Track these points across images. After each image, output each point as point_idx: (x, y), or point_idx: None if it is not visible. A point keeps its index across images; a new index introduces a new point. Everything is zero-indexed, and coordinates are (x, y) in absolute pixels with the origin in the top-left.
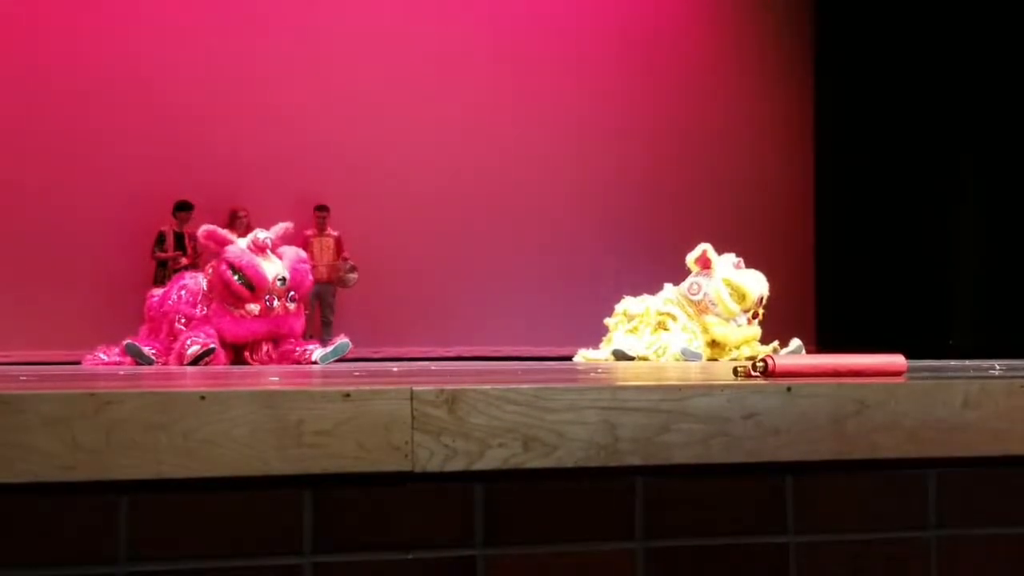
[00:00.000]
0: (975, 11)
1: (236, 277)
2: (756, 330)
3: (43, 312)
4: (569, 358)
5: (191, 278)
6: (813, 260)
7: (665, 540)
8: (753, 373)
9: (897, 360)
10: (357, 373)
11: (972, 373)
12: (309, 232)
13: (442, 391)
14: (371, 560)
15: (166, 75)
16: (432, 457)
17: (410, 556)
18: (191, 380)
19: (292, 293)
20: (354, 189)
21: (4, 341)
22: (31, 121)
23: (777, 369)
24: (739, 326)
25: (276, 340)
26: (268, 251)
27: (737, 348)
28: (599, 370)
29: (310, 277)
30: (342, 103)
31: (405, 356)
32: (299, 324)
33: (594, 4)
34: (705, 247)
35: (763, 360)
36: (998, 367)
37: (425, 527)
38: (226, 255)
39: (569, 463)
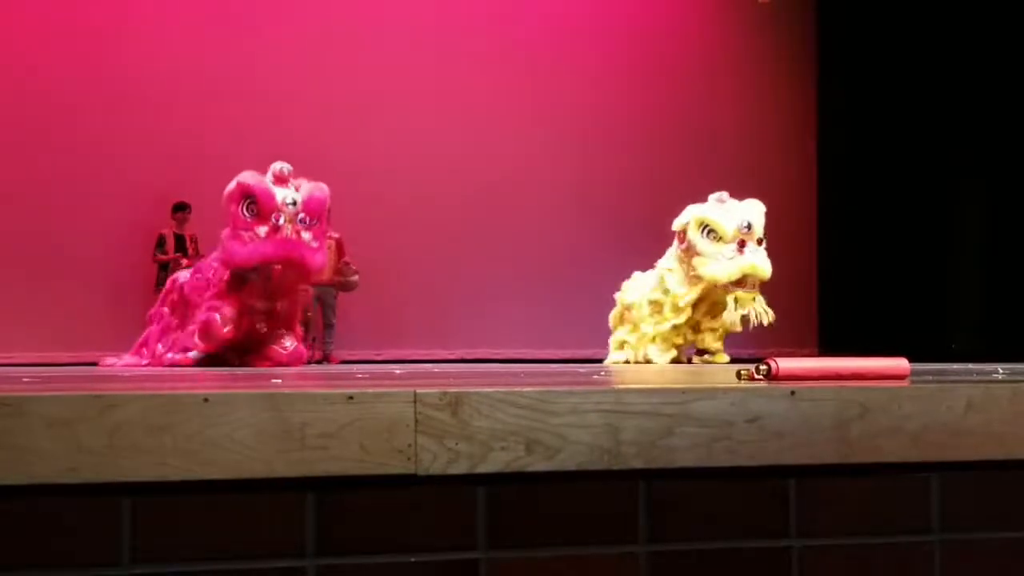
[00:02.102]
0: (979, 10)
1: (247, 200)
2: (750, 259)
3: (45, 314)
4: (569, 361)
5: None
6: (816, 263)
7: (668, 544)
8: (756, 377)
9: (900, 364)
10: (360, 376)
11: (975, 377)
12: None
13: (445, 394)
14: (374, 563)
15: (166, 77)
16: (435, 460)
17: (413, 559)
18: (195, 383)
19: (303, 216)
20: (355, 191)
21: (6, 343)
22: (30, 123)
23: (780, 373)
24: (729, 259)
25: (288, 268)
26: (289, 183)
27: (734, 285)
28: (602, 372)
29: (328, 205)
30: (342, 105)
31: (407, 358)
32: (315, 259)
33: (594, 6)
34: (689, 216)
35: (766, 364)
36: (1001, 371)
37: (428, 530)
38: (239, 178)
39: (572, 466)
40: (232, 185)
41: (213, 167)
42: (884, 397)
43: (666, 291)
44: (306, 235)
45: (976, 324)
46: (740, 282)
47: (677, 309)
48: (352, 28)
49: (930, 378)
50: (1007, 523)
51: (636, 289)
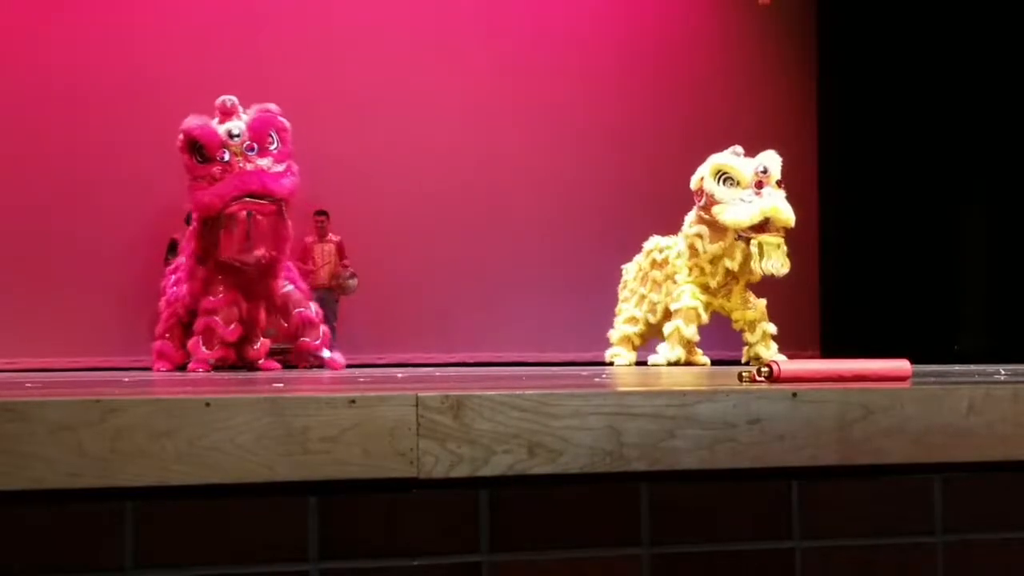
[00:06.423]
0: (984, 8)
1: (195, 147)
2: (771, 201)
3: (50, 320)
4: (572, 364)
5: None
6: (817, 264)
7: (671, 546)
8: (758, 379)
9: (902, 365)
10: (362, 379)
11: (978, 378)
12: (309, 239)
13: (447, 397)
14: (377, 567)
15: (175, 80)
16: (437, 463)
17: (415, 562)
18: (196, 387)
19: (250, 143)
20: (354, 193)
21: (11, 349)
22: (35, 126)
23: (782, 375)
24: (749, 202)
25: (258, 201)
26: (236, 115)
27: (757, 230)
28: (604, 375)
29: (281, 121)
30: (341, 106)
31: (409, 362)
32: (279, 184)
33: (593, 6)
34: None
35: (768, 366)
36: (1004, 372)
37: (430, 533)
38: (182, 126)
39: (574, 469)
40: (179, 137)
41: None
42: (886, 399)
43: (700, 253)
44: (263, 161)
45: (978, 325)
46: (763, 226)
47: (711, 262)
48: (353, 32)
49: (932, 380)
50: (1009, 524)
51: (666, 247)
